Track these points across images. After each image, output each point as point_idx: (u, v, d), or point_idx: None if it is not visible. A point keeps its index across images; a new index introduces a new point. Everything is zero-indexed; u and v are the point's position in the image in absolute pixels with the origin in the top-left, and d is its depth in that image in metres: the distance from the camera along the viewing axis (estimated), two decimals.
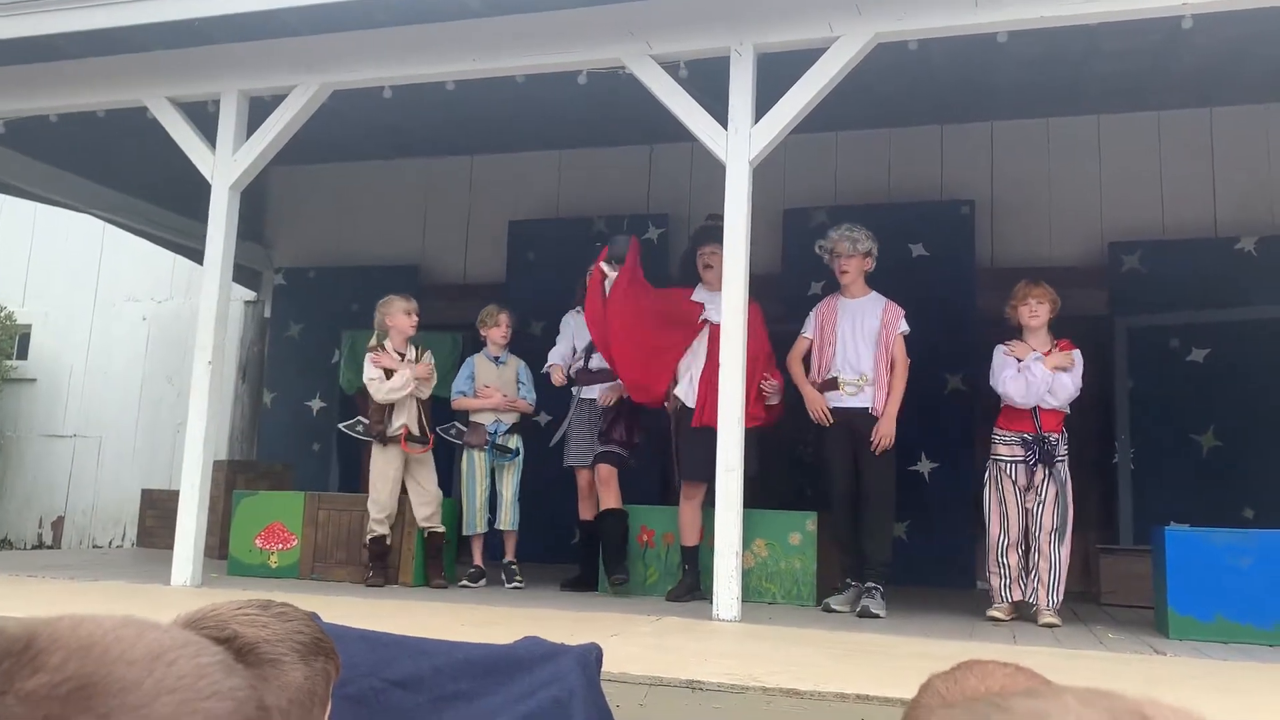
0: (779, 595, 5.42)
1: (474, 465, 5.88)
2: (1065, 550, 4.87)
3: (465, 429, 5.94)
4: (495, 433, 5.87)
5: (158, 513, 7.98)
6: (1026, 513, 4.91)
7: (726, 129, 4.73)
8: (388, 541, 5.71)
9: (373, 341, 5.85)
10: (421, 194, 8.51)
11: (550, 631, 2.36)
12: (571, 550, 7.18)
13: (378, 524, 5.66)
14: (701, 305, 5.52)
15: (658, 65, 4.89)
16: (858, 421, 5.15)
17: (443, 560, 5.77)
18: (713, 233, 5.45)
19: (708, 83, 4.95)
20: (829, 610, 5.02)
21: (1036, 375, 4.90)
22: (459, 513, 5.95)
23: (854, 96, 5.57)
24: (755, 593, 5.34)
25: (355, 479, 7.86)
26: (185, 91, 5.63)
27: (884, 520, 5.18)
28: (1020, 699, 0.47)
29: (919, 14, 4.56)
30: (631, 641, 3.60)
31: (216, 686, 0.54)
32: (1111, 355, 6.72)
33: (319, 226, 8.73)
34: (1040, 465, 4.88)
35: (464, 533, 5.89)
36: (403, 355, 5.79)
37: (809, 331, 5.35)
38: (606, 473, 5.55)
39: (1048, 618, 4.72)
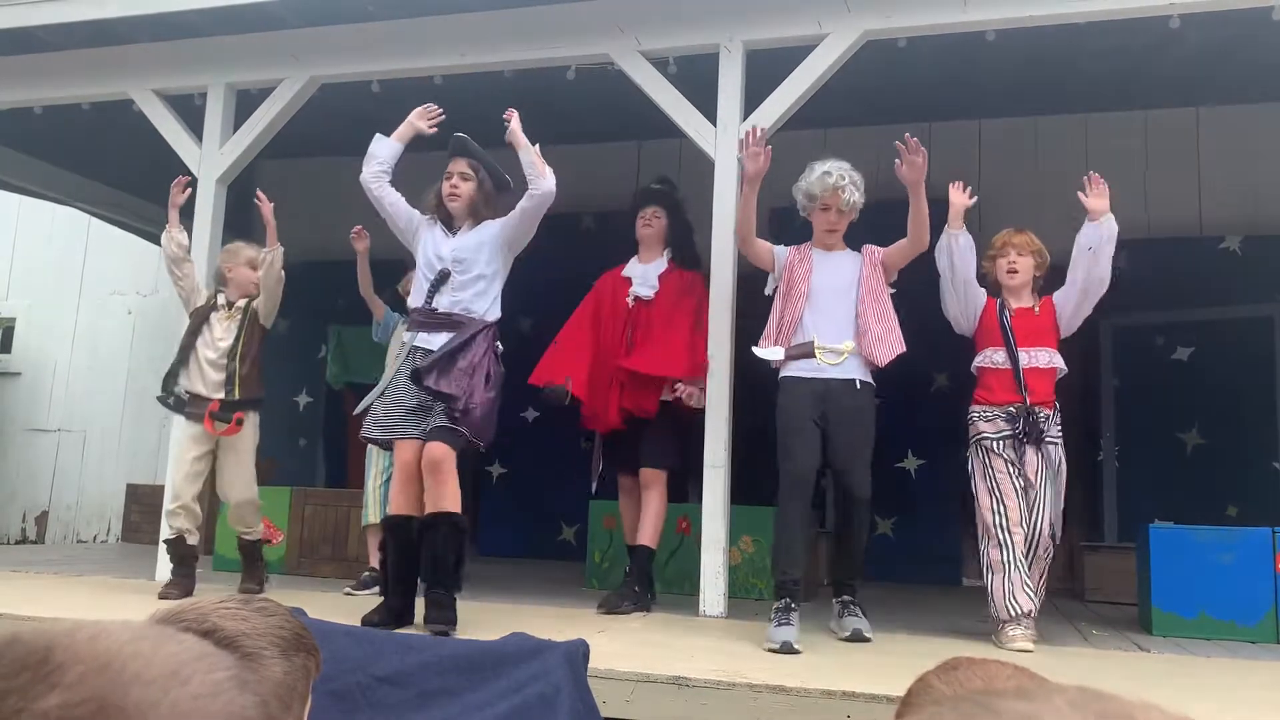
0: (765, 591, 5.42)
1: (371, 452, 5.22)
2: (1047, 548, 4.10)
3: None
4: None
5: (142, 508, 7.95)
6: (1026, 494, 4.04)
7: (715, 125, 4.73)
8: (189, 541, 4.59)
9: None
10: (409, 189, 8.47)
11: (537, 628, 2.36)
12: (557, 546, 7.18)
13: (172, 517, 4.59)
14: (629, 282, 4.86)
15: (647, 61, 4.89)
16: (837, 394, 4.03)
17: (260, 565, 4.81)
18: (654, 195, 5.00)
19: (697, 79, 4.94)
20: (790, 651, 3.50)
21: (961, 245, 4.23)
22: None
23: (842, 94, 5.56)
24: (742, 589, 5.35)
25: (342, 474, 7.84)
26: (171, 84, 5.60)
27: (869, 513, 4.11)
28: (1009, 699, 0.47)
29: (908, 12, 4.56)
30: (618, 638, 3.60)
31: (230, 705, 0.54)
32: (1096, 353, 6.74)
33: (306, 221, 8.67)
34: (1030, 445, 4.04)
35: (361, 523, 5.31)
36: (229, 306, 4.80)
37: (780, 254, 4.34)
38: (442, 453, 3.66)
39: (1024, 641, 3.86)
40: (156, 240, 8.67)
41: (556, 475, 5.92)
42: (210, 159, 5.47)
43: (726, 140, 4.70)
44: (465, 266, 3.95)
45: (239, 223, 8.33)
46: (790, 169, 7.32)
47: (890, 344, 4.15)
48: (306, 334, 8.29)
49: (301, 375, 8.28)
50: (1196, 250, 6.64)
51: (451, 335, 3.79)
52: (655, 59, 4.91)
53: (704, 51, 4.84)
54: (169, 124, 5.56)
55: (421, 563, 3.67)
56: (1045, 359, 4.15)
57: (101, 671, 0.51)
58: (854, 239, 4.44)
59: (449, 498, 3.65)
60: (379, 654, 1.98)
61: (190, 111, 5.63)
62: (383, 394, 3.93)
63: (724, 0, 4.76)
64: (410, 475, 3.74)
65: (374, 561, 4.86)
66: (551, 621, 3.86)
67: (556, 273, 6.03)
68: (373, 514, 5.12)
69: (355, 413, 4.30)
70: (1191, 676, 3.34)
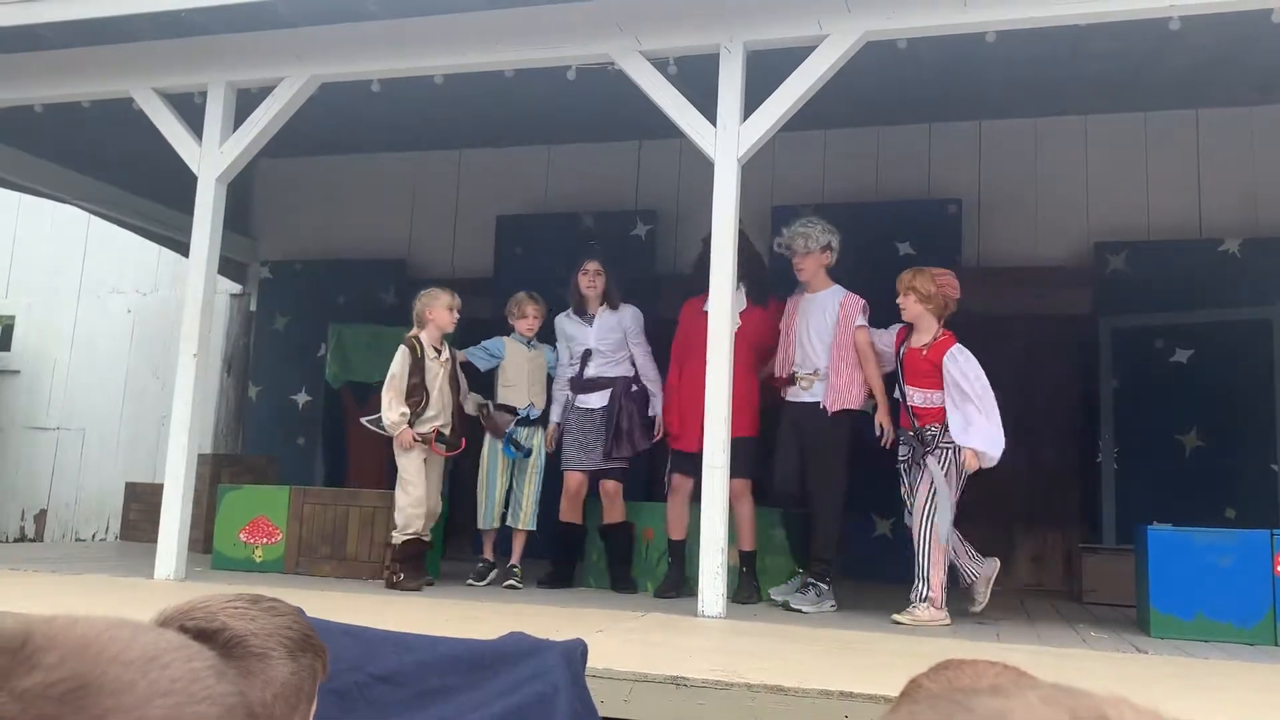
0: (762, 590, 5.42)
1: (495, 458, 5.63)
2: (929, 541, 4.64)
3: (493, 411, 5.68)
4: (525, 416, 5.62)
5: (141, 506, 7.94)
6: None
7: (715, 126, 4.73)
8: (426, 539, 5.44)
9: (412, 332, 5.57)
10: (409, 188, 8.49)
11: (535, 627, 2.36)
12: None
13: (416, 519, 5.34)
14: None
15: (647, 61, 4.89)
16: (804, 418, 5.11)
17: (424, 562, 5.48)
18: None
19: (697, 79, 4.94)
20: (787, 609, 4.88)
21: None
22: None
23: (843, 94, 5.57)
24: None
25: (340, 473, 7.84)
26: (172, 82, 5.60)
27: (831, 518, 5.06)
28: (983, 697, 0.47)
29: (908, 13, 4.56)
30: (616, 637, 3.60)
31: (209, 691, 0.54)
32: (1096, 355, 6.75)
33: (306, 220, 8.69)
34: (921, 459, 4.77)
35: (479, 526, 5.71)
36: (438, 351, 5.54)
37: (787, 313, 5.37)
38: (614, 488, 5.52)
39: (898, 615, 4.58)
40: (156, 239, 8.69)
41: (556, 474, 5.92)
42: (210, 157, 5.47)
43: (726, 140, 4.70)
44: (604, 352, 5.61)
45: (238, 221, 8.35)
46: (791, 169, 7.34)
47: (843, 399, 5.03)
48: (306, 332, 8.29)
49: (301, 374, 8.28)
50: (1196, 253, 6.64)
51: (597, 394, 5.57)
52: (655, 59, 4.91)
53: (704, 52, 4.84)
54: (169, 122, 5.56)
55: (608, 553, 5.64)
56: (920, 399, 4.79)
57: (80, 653, 0.52)
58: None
59: (618, 514, 5.57)
60: (377, 653, 1.98)
61: (190, 110, 5.63)
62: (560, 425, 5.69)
63: (725, 0, 4.76)
64: (576, 495, 5.60)
65: (487, 554, 5.74)
66: (551, 621, 3.86)
67: (558, 270, 6.03)
68: (494, 519, 5.70)
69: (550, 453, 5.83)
70: (1188, 678, 3.34)
